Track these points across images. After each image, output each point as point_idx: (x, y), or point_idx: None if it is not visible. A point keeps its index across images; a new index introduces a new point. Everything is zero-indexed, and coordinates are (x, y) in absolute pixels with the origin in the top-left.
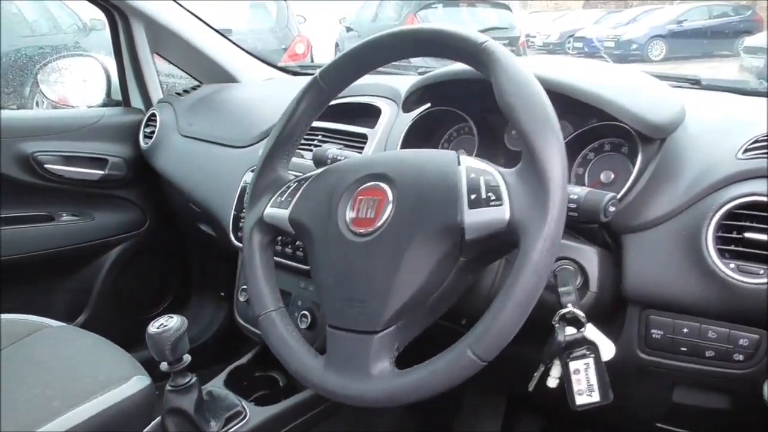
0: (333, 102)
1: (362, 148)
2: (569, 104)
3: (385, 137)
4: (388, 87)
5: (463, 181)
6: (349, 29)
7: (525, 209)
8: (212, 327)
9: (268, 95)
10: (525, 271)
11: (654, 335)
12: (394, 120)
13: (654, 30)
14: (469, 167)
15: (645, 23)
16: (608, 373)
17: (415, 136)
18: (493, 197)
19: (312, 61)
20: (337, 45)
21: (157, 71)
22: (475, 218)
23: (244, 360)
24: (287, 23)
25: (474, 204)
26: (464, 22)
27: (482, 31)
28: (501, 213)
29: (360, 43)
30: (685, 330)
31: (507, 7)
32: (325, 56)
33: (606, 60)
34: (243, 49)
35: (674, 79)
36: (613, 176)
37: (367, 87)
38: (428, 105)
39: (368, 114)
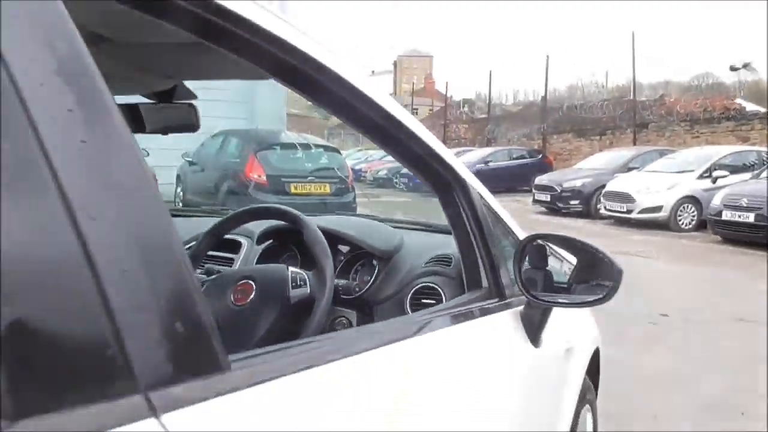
0: None
1: (231, 265)
2: (346, 241)
3: (245, 260)
4: (248, 230)
5: (289, 278)
6: (191, 163)
7: (315, 289)
8: None
9: None
10: (316, 316)
11: None
12: (251, 249)
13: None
14: (293, 272)
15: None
16: None
17: (264, 258)
18: (303, 284)
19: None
20: (178, 177)
21: None
22: (295, 293)
23: None
24: None
25: (294, 287)
26: (300, 162)
27: (314, 171)
28: (305, 290)
29: (241, 210)
30: None
31: (337, 151)
32: (168, 188)
33: (428, 192)
34: None
35: (415, 223)
36: (368, 276)
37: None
38: (271, 240)
39: (235, 246)
